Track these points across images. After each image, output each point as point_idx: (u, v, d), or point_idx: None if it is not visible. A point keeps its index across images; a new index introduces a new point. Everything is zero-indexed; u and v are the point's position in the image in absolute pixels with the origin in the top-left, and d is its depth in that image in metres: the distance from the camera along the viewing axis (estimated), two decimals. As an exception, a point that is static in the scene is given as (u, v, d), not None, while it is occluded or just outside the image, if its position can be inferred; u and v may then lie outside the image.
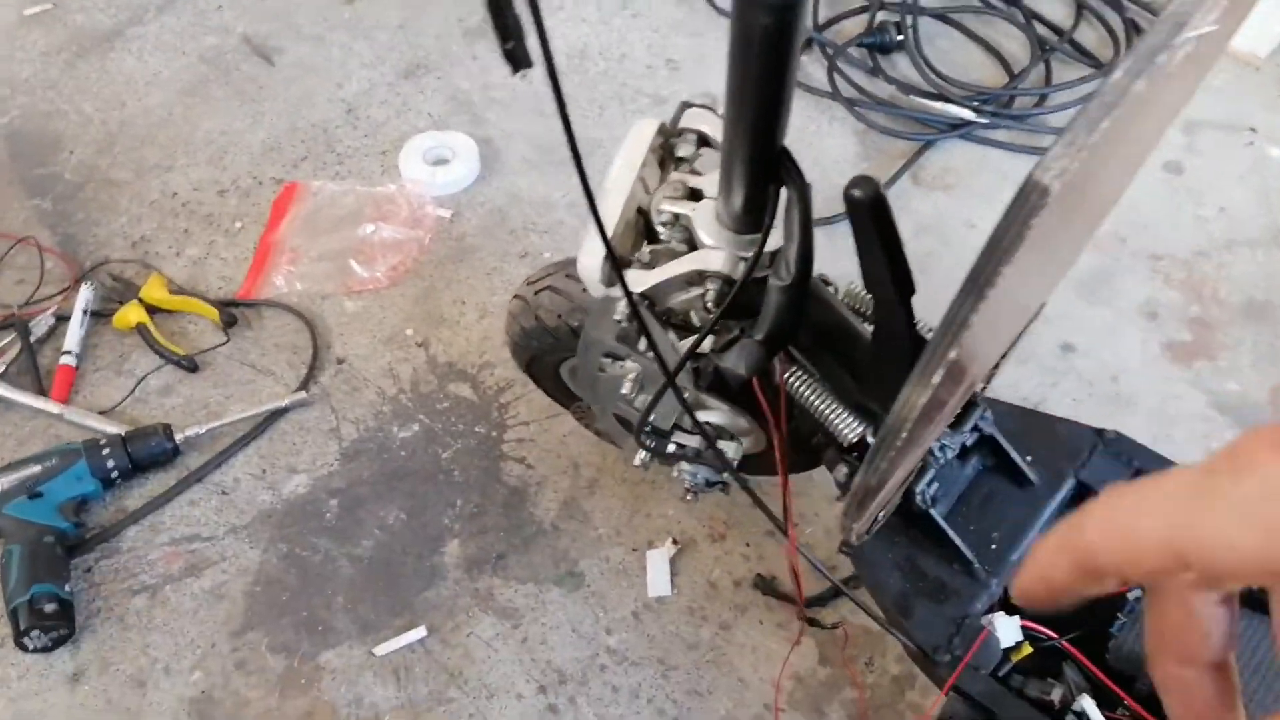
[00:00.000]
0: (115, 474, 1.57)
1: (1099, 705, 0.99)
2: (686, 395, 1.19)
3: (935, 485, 1.10)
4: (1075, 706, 1.00)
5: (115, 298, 1.80)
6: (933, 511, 1.09)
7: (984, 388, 1.15)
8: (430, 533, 1.56)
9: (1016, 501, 1.15)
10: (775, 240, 0.94)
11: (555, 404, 1.60)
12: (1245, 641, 1.02)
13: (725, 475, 1.30)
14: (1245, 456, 0.31)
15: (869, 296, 1.12)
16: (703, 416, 1.34)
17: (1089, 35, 2.25)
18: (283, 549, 1.55)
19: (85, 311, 1.77)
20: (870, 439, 1.06)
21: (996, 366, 1.10)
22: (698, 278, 0.99)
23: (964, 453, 1.14)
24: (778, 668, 1.42)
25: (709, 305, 1.04)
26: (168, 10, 2.30)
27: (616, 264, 0.91)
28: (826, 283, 1.12)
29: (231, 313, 1.77)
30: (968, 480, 1.17)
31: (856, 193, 0.84)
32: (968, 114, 2.05)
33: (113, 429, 1.62)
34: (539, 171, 2.00)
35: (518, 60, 0.59)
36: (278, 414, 1.67)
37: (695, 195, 1.02)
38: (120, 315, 1.75)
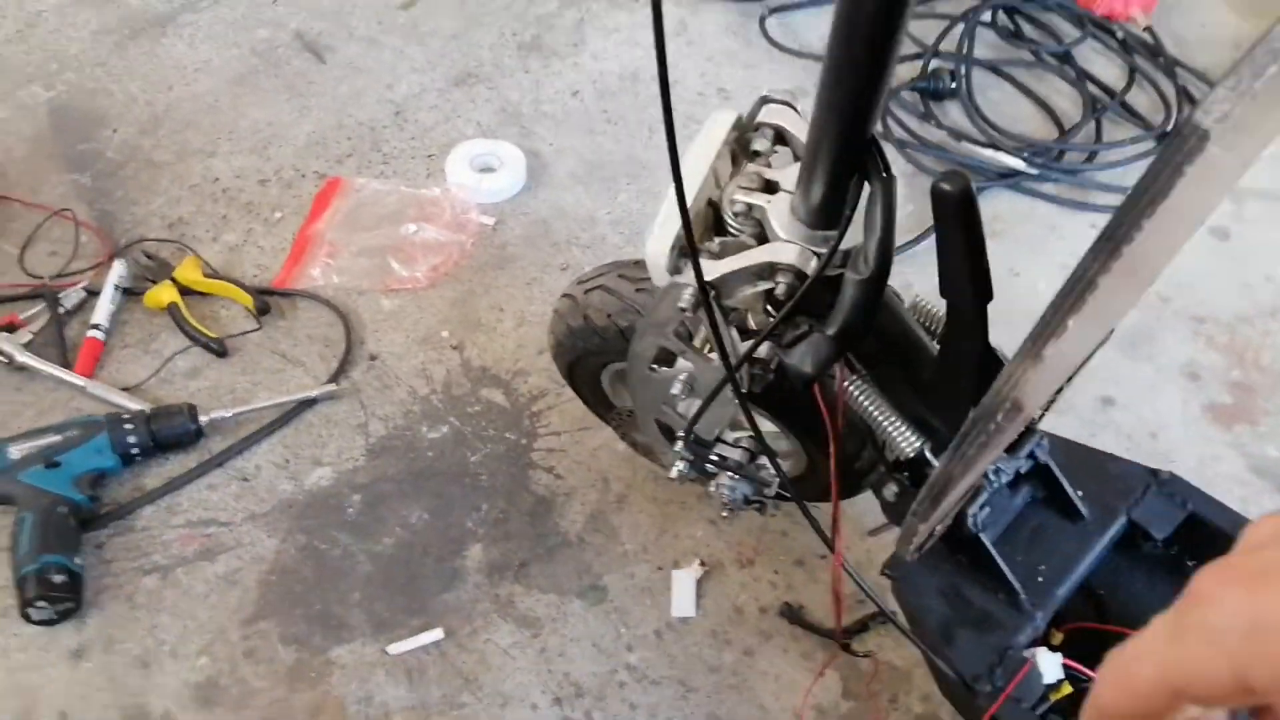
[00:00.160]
0: (136, 451, 1.53)
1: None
2: (738, 403, 1.16)
3: (986, 510, 1.07)
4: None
5: (148, 276, 1.77)
6: (983, 536, 1.06)
7: (1040, 416, 1.12)
8: (453, 535, 1.52)
9: (1066, 535, 1.12)
10: (850, 239, 0.92)
11: (588, 416, 1.57)
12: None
13: (766, 492, 1.26)
14: (1203, 595, 0.37)
15: (935, 311, 1.10)
16: (746, 433, 1.31)
17: (1140, 99, 2.23)
18: (301, 540, 1.51)
19: (117, 287, 1.74)
20: (929, 454, 1.03)
21: (1059, 391, 1.06)
22: (768, 271, 0.96)
23: (1015, 482, 1.11)
24: (800, 698, 1.38)
25: (772, 306, 1.02)
26: (223, 1, 2.29)
27: (693, 242, 0.88)
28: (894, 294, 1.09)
29: (265, 300, 1.75)
30: (1017, 510, 1.13)
31: (946, 186, 0.81)
32: (1018, 164, 2.03)
33: (136, 406, 1.59)
34: (585, 187, 1.98)
35: None
36: (306, 405, 1.64)
37: (770, 188, 0.99)
38: (152, 294, 1.73)
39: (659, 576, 1.49)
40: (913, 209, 1.99)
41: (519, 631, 1.44)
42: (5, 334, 1.67)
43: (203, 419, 1.57)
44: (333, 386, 1.65)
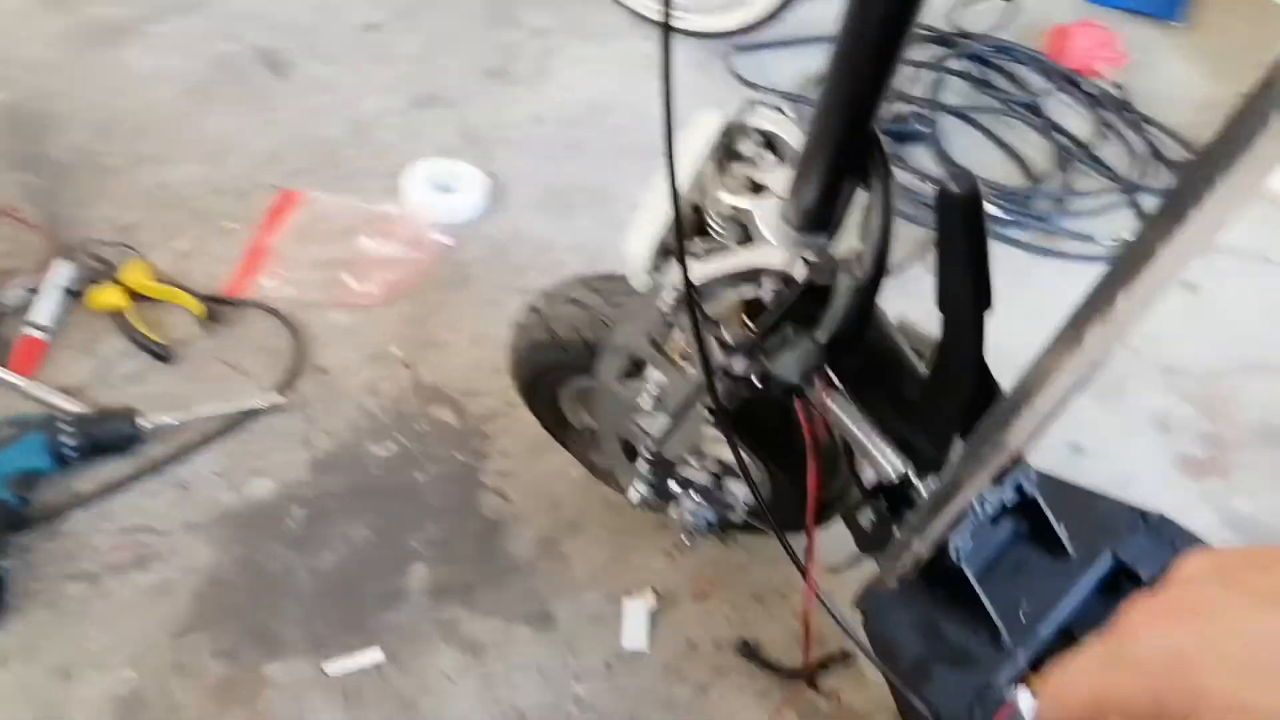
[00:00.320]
0: (72, 453, 1.47)
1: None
2: (704, 426, 1.13)
3: (970, 543, 1.04)
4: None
5: (95, 278, 1.71)
6: (964, 568, 1.03)
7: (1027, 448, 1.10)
8: (397, 554, 1.47)
9: (1050, 573, 1.08)
10: (839, 246, 0.90)
11: (541, 439, 1.53)
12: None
13: (732, 516, 1.23)
14: (1128, 628, 0.42)
15: (921, 332, 1.08)
16: (713, 453, 1.28)
17: (1108, 152, 2.25)
18: (239, 552, 1.45)
19: (61, 288, 1.68)
20: (913, 476, 1.01)
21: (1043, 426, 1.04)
22: (754, 275, 0.93)
23: (999, 516, 1.08)
24: (754, 736, 1.34)
25: (751, 318, 0.99)
26: (189, 12, 2.27)
27: (682, 236, 0.85)
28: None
29: (214, 308, 1.70)
30: (1000, 545, 1.10)
31: (952, 187, 0.79)
32: (990, 208, 2.03)
33: (75, 409, 1.53)
34: (545, 213, 1.95)
35: None
36: (250, 415, 1.59)
37: (758, 191, 0.97)
38: (97, 295, 1.67)
39: (611, 607, 1.44)
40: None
41: (462, 656, 1.39)
42: (-61, 329, 1.61)
43: (143, 424, 1.52)
44: (279, 398, 1.60)
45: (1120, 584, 1.09)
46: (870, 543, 1.09)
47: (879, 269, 0.85)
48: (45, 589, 1.39)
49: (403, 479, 1.55)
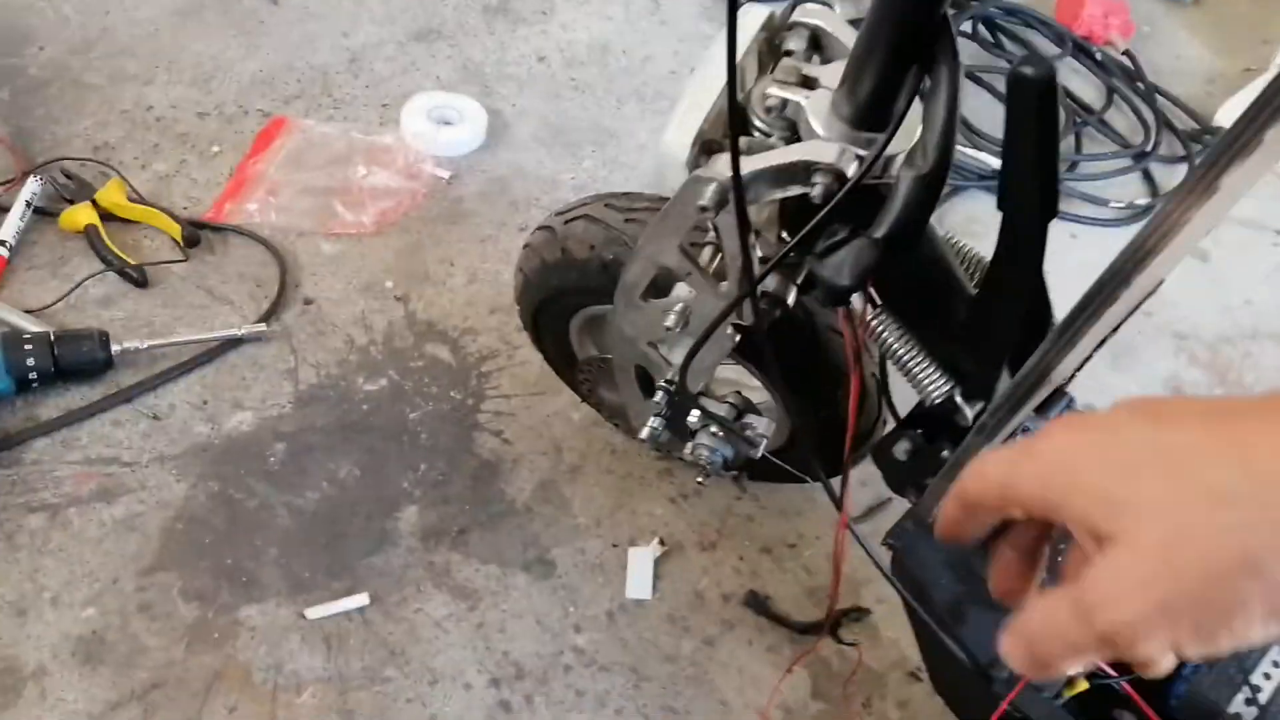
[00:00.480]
0: (34, 376, 1.36)
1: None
2: (722, 360, 1.03)
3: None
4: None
5: (66, 196, 1.60)
6: (1006, 502, 0.93)
7: (1072, 377, 1.00)
8: (386, 494, 1.37)
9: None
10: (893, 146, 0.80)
11: (542, 380, 1.44)
12: None
13: (753, 453, 1.13)
14: (1045, 433, 0.45)
15: (971, 252, 0.99)
16: (733, 388, 1.19)
17: (1118, 119, 2.16)
18: (213, 487, 1.35)
19: (29, 204, 1.57)
20: (959, 399, 0.91)
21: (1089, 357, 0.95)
22: (803, 172, 0.83)
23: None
24: (765, 695, 1.25)
25: (794, 222, 0.90)
26: (172, -69, 2.14)
27: (735, 120, 0.75)
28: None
29: (195, 232, 1.58)
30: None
31: (1027, 70, 0.71)
32: (998, 164, 1.94)
33: (39, 330, 1.42)
34: (547, 150, 1.85)
35: None
36: (231, 344, 1.48)
37: (809, 84, 0.87)
38: (69, 215, 1.56)
39: (613, 554, 1.35)
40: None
41: (455, 603, 1.29)
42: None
43: (114, 348, 1.41)
44: (262, 327, 1.49)
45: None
46: (904, 477, 1.00)
47: (944, 160, 0.76)
48: (1, 520, 1.28)
49: (394, 417, 1.45)
